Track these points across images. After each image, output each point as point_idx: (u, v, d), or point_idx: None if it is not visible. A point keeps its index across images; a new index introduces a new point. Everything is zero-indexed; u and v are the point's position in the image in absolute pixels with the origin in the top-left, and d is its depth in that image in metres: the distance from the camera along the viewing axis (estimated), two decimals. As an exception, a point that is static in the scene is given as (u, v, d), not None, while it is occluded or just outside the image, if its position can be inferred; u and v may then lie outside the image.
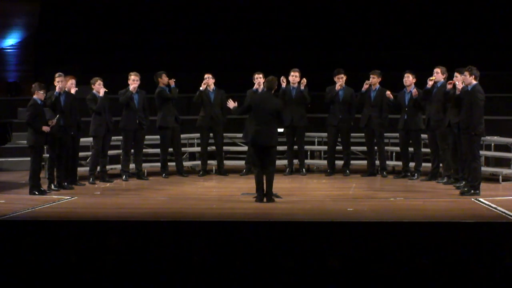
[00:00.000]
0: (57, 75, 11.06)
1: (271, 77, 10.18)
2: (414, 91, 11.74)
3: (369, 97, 12.23)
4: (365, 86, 12.18)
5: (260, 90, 12.05)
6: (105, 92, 11.70)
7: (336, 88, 12.36)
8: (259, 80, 12.22)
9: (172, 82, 12.37)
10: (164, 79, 12.41)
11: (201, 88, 12.47)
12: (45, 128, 10.49)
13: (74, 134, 11.18)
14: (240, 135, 12.95)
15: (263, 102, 9.95)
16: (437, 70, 11.48)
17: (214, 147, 12.83)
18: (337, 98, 12.43)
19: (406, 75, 11.89)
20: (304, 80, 12.33)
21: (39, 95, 10.59)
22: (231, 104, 10.47)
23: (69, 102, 11.06)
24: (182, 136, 12.91)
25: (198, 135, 13.20)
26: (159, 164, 12.83)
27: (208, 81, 12.49)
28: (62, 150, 10.95)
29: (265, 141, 9.83)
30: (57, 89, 10.98)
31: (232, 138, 13.64)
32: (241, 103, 11.26)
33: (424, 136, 12.16)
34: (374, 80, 12.18)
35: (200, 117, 12.65)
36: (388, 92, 12.03)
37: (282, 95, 12.31)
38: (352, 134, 12.88)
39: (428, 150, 12.18)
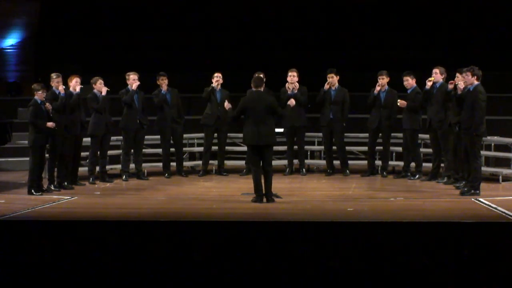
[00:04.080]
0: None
1: (256, 76, 10.17)
2: (402, 103, 11.71)
3: (379, 98, 12.18)
4: (377, 89, 12.10)
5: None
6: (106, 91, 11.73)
7: (325, 87, 12.36)
8: None
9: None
10: (160, 81, 12.43)
11: (213, 85, 12.46)
12: (50, 124, 10.51)
13: (78, 134, 11.22)
14: (242, 135, 12.94)
15: (255, 101, 9.90)
16: (436, 70, 11.47)
17: (216, 147, 12.83)
18: (328, 98, 12.41)
19: (405, 78, 11.86)
20: (296, 85, 12.29)
21: (39, 95, 10.60)
22: (227, 105, 10.53)
23: (75, 102, 11.12)
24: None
25: (197, 135, 13.21)
26: (159, 164, 12.85)
27: (219, 80, 12.50)
28: (64, 150, 10.96)
29: (263, 140, 9.78)
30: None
31: (232, 138, 13.64)
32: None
33: (425, 136, 12.16)
34: (384, 81, 12.12)
35: (206, 115, 12.63)
36: (400, 102, 11.91)
37: (282, 95, 12.34)
38: (352, 134, 12.85)
39: (428, 150, 12.18)
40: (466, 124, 10.19)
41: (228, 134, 13.24)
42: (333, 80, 12.35)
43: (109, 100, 11.87)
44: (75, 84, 11.19)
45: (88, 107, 11.76)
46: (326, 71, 12.49)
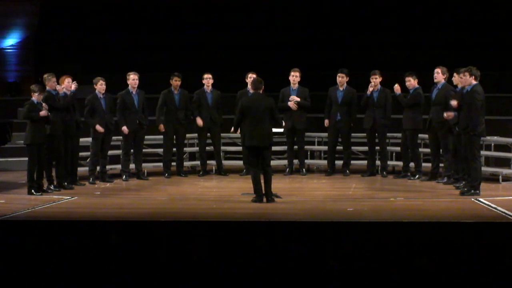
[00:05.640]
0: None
1: (256, 78, 10.24)
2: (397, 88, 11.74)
3: (372, 98, 12.19)
4: (370, 89, 12.13)
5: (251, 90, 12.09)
6: (107, 93, 11.75)
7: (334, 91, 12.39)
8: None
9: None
10: (172, 82, 12.45)
11: (204, 88, 12.51)
12: (43, 113, 10.47)
13: (74, 134, 11.22)
14: (239, 135, 12.94)
15: (254, 103, 9.89)
16: (438, 70, 11.44)
17: (212, 148, 12.83)
18: (336, 100, 12.41)
19: (407, 78, 11.83)
20: (297, 99, 12.29)
21: (35, 97, 10.58)
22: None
23: (69, 101, 11.12)
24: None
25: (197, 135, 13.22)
26: (159, 164, 12.86)
27: (208, 82, 12.52)
28: (61, 150, 10.95)
29: (259, 142, 9.77)
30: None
31: (232, 138, 13.64)
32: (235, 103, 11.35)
33: (425, 136, 12.16)
34: (377, 80, 12.14)
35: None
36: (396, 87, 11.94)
37: (281, 96, 12.35)
38: (353, 134, 12.87)
39: (427, 150, 12.18)
40: (464, 124, 10.20)
41: (228, 135, 13.26)
42: (343, 80, 12.36)
43: (112, 101, 11.89)
44: (68, 85, 11.16)
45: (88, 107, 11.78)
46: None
